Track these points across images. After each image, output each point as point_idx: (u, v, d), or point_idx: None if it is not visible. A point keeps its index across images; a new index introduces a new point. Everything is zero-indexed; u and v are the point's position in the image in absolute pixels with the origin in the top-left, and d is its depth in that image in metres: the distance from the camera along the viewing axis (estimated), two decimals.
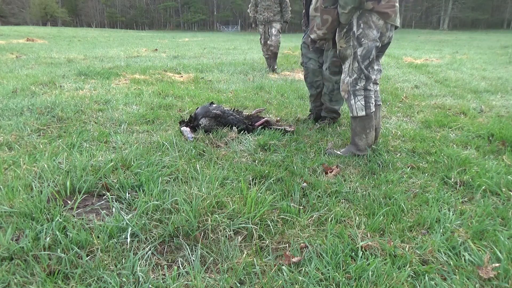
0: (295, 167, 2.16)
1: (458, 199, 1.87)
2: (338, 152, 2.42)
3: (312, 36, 2.43)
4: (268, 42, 6.79)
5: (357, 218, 1.65)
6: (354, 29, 2.21)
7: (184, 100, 3.95)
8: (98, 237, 1.42)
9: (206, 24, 67.44)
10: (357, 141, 2.38)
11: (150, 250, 1.39)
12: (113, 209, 1.63)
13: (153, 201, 1.66)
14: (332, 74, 2.96)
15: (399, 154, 2.47)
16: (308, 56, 3.13)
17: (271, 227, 1.55)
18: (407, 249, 1.43)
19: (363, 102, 2.30)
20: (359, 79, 2.29)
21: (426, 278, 1.28)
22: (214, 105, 2.92)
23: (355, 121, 2.37)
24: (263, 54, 7.09)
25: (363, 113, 2.31)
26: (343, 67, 2.39)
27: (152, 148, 2.40)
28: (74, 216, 1.56)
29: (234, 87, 4.84)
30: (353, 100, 2.32)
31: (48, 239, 1.39)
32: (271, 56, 6.86)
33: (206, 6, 66.02)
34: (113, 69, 6.00)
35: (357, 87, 2.30)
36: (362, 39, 2.21)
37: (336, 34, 2.35)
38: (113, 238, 1.43)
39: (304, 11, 3.17)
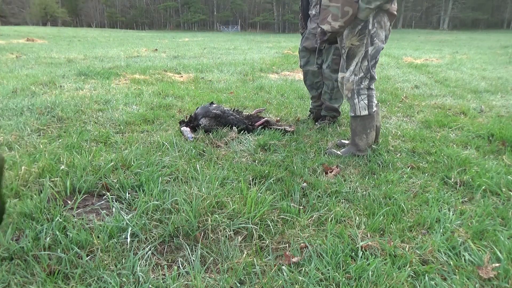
0: (295, 167, 2.16)
1: (458, 199, 1.87)
2: (338, 152, 2.41)
3: (325, 27, 2.20)
4: None
5: (357, 218, 1.65)
6: (370, 27, 2.16)
7: (184, 100, 3.95)
8: (98, 237, 1.42)
9: (206, 24, 67.45)
10: (357, 141, 2.37)
11: (150, 250, 1.39)
12: (113, 209, 1.63)
13: (153, 201, 1.66)
14: (332, 72, 2.97)
15: (399, 154, 2.47)
16: (306, 59, 3.12)
17: (271, 227, 1.55)
18: (407, 249, 1.43)
19: (366, 101, 2.30)
20: (365, 78, 2.28)
21: (426, 278, 1.28)
22: (214, 105, 2.92)
23: (356, 120, 2.36)
24: None
25: (366, 112, 2.31)
26: (346, 65, 2.33)
27: (152, 148, 2.40)
28: (74, 216, 1.56)
29: (234, 87, 4.84)
30: (356, 99, 2.30)
31: (48, 239, 1.39)
32: None
33: (206, 6, 66.03)
34: (113, 69, 6.00)
35: (362, 86, 2.29)
36: (375, 39, 2.19)
37: (346, 30, 2.24)
38: (113, 238, 1.43)
39: (301, 14, 3.15)
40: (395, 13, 2.20)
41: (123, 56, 8.64)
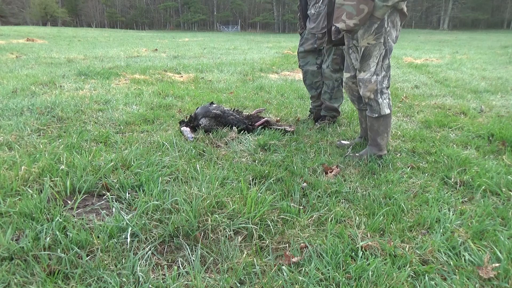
0: (295, 167, 2.16)
1: (458, 199, 1.87)
2: (357, 155, 2.37)
3: (339, 25, 2.17)
4: None
5: (357, 218, 1.65)
6: (386, 25, 2.15)
7: (184, 100, 3.95)
8: (98, 237, 1.42)
9: (206, 24, 67.44)
10: (379, 141, 2.34)
11: (150, 250, 1.39)
12: (113, 209, 1.63)
13: (153, 201, 1.66)
14: (332, 72, 2.97)
15: (399, 154, 2.47)
16: (305, 59, 3.12)
17: (271, 227, 1.55)
18: (407, 249, 1.43)
19: (387, 100, 2.29)
20: (386, 76, 2.26)
21: (426, 278, 1.28)
22: (214, 105, 2.92)
23: (379, 120, 2.31)
24: None
25: (389, 110, 2.30)
26: (361, 66, 2.26)
27: (152, 148, 2.40)
28: (74, 216, 1.56)
29: (234, 87, 4.84)
30: (380, 99, 2.26)
31: (48, 239, 1.39)
32: None
33: (206, 6, 66.01)
34: (113, 69, 6.00)
35: (384, 85, 2.26)
36: (388, 38, 2.18)
37: (361, 30, 2.19)
38: (113, 238, 1.43)
39: (299, 14, 3.14)
40: (407, 13, 2.20)
41: (123, 56, 8.64)
